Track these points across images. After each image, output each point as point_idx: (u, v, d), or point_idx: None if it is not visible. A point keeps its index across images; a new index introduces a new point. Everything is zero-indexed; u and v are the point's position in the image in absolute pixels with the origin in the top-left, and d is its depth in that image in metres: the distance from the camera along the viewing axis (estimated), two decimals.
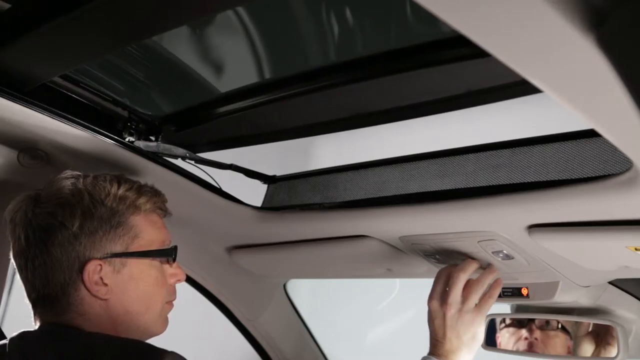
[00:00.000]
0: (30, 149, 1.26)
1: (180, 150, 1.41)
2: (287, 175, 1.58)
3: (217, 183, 1.52)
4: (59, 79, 1.25)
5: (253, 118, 1.36)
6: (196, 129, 1.42)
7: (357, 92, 1.20)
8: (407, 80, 1.12)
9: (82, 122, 1.22)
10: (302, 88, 1.22)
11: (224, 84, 1.37)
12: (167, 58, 1.29)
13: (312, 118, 1.33)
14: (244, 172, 1.52)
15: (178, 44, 1.27)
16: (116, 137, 1.28)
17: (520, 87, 1.01)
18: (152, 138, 1.41)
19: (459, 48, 0.98)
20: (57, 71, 1.17)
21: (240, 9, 1.12)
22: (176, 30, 1.10)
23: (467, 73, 1.08)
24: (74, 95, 1.29)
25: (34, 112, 1.15)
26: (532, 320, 1.54)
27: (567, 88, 0.71)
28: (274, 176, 1.59)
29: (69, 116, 1.20)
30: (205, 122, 1.39)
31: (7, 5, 1.01)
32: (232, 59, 1.33)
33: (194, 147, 1.46)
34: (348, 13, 1.10)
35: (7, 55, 1.06)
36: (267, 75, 1.29)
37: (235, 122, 1.38)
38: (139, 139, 1.37)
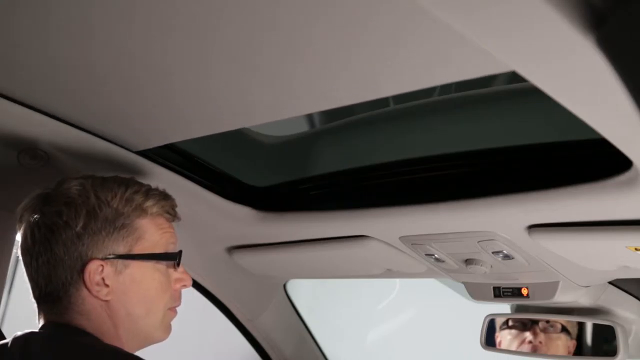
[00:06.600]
0: (30, 149, 1.26)
1: None
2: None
3: None
4: None
5: None
6: None
7: None
8: None
9: (81, 122, 1.21)
10: None
11: None
12: None
13: None
14: None
15: None
16: (115, 137, 1.28)
17: None
18: None
19: None
20: None
21: None
22: None
23: None
24: None
25: (34, 112, 1.15)
26: (536, 322, 1.54)
27: (568, 88, 0.71)
28: None
29: (70, 116, 1.20)
30: None
31: None
32: None
33: None
34: None
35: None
36: None
37: None
38: None
